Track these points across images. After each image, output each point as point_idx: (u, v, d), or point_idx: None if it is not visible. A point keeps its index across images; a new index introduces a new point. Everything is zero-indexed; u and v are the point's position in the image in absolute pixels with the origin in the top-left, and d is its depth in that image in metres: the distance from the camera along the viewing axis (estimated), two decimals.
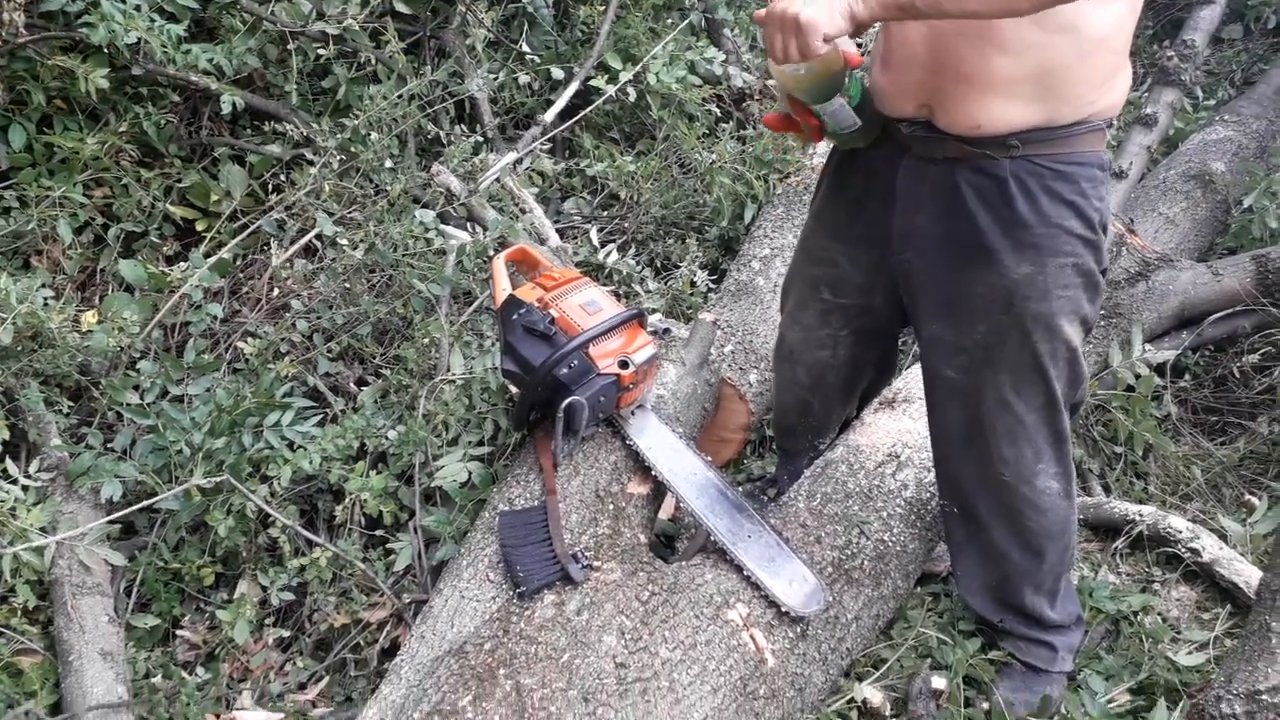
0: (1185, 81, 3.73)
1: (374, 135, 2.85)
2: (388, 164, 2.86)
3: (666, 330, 2.50)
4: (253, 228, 2.88)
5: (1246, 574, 2.12)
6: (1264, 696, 1.55)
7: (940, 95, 1.59)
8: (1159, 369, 2.67)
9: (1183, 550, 2.21)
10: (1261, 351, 2.72)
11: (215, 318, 2.63)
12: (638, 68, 3.33)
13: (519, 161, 3.16)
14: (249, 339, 2.60)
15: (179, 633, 2.24)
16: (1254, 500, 2.42)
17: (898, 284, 1.83)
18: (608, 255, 2.96)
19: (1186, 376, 2.79)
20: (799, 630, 1.83)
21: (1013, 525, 1.84)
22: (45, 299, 2.42)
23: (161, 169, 3.02)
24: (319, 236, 2.78)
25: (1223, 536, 2.29)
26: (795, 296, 2.09)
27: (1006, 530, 1.85)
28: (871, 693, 1.95)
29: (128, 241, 2.95)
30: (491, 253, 2.62)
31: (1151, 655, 2.00)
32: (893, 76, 1.66)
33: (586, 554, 1.84)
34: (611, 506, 2.02)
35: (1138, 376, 2.55)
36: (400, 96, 2.94)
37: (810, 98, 1.60)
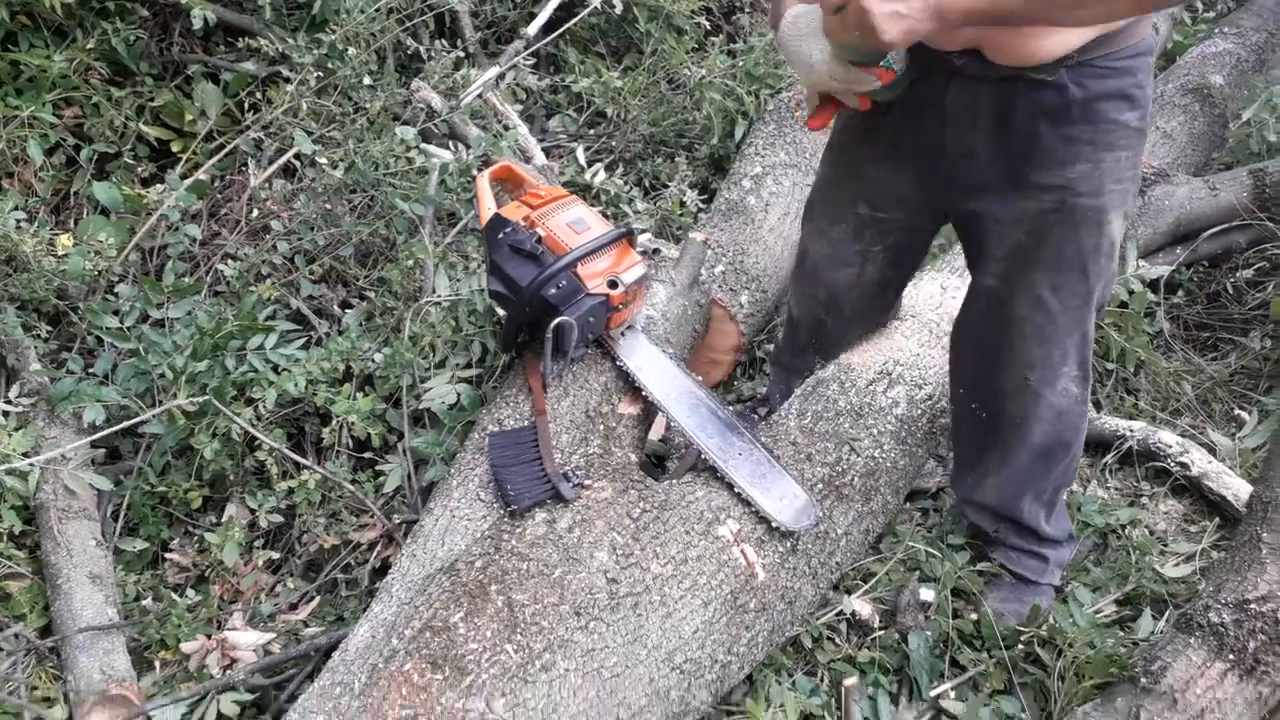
0: None
1: (352, 51, 2.75)
2: (366, 80, 2.77)
3: (656, 250, 2.45)
4: (229, 148, 2.80)
5: (1235, 487, 2.13)
6: (1252, 605, 1.56)
7: (988, 38, 1.53)
8: (1152, 285, 2.65)
9: (1172, 464, 2.22)
10: (1256, 267, 2.70)
11: (194, 240, 2.57)
12: None
13: (501, 77, 3.08)
14: (229, 261, 2.55)
15: (168, 556, 2.23)
16: (1243, 415, 2.43)
17: (942, 196, 1.79)
18: (595, 175, 2.90)
19: (1180, 292, 2.77)
20: (789, 545, 1.84)
21: (1028, 430, 1.84)
22: (18, 221, 2.37)
23: (133, 88, 2.93)
24: (298, 156, 2.71)
25: (1212, 451, 2.29)
26: (826, 211, 2.01)
27: (1021, 435, 1.85)
28: (860, 605, 1.97)
29: (101, 163, 2.88)
30: (475, 171, 2.56)
31: (1139, 567, 2.01)
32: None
33: (577, 473, 1.82)
34: (602, 427, 2.00)
35: (1131, 293, 2.53)
36: (378, 10, 2.84)
37: (872, 54, 1.50)
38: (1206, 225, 2.75)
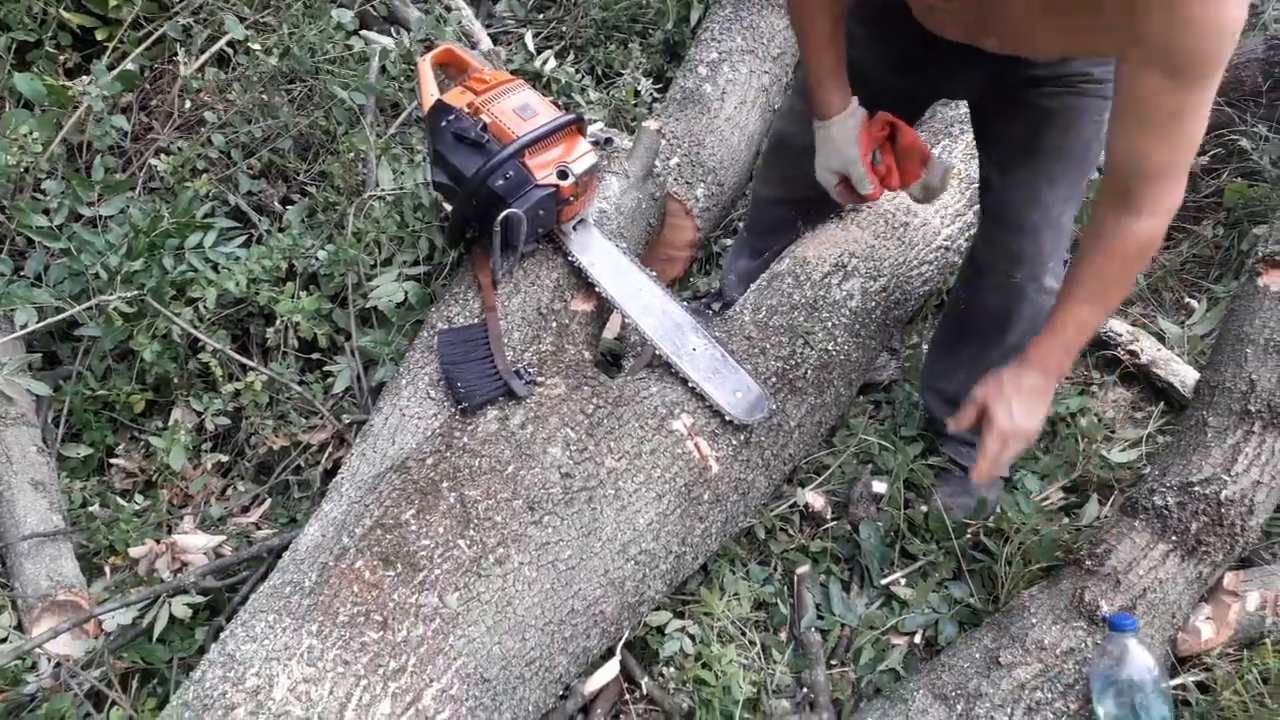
0: None
1: None
2: None
3: (608, 140, 2.38)
4: (157, 35, 2.64)
5: (1182, 374, 2.16)
6: (1196, 488, 1.59)
7: (984, 39, 1.49)
8: None
9: (1121, 353, 2.24)
10: (1211, 153, 2.69)
11: (124, 133, 2.45)
12: None
13: None
14: (162, 156, 2.43)
15: (114, 462, 2.19)
16: (1193, 303, 2.45)
17: (939, 90, 1.76)
18: (545, 62, 2.79)
19: None
20: (743, 438, 1.84)
21: (1007, 327, 1.85)
22: None
23: None
24: (231, 43, 2.56)
25: (1161, 339, 2.31)
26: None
27: (999, 331, 1.87)
28: (813, 497, 1.99)
29: (21, 53, 2.70)
30: (417, 57, 2.45)
31: (1086, 454, 2.04)
32: (938, 24, 1.54)
33: (529, 370, 1.79)
34: (555, 324, 1.97)
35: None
36: None
37: None
38: None
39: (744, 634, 1.81)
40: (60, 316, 2.05)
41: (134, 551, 1.89)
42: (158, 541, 1.90)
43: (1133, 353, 2.22)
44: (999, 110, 1.67)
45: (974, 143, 1.86)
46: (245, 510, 2.08)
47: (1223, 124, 2.67)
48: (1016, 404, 1.49)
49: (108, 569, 1.94)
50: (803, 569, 1.89)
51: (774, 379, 1.94)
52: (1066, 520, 1.92)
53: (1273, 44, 2.64)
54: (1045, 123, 1.62)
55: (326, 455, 2.09)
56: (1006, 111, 1.65)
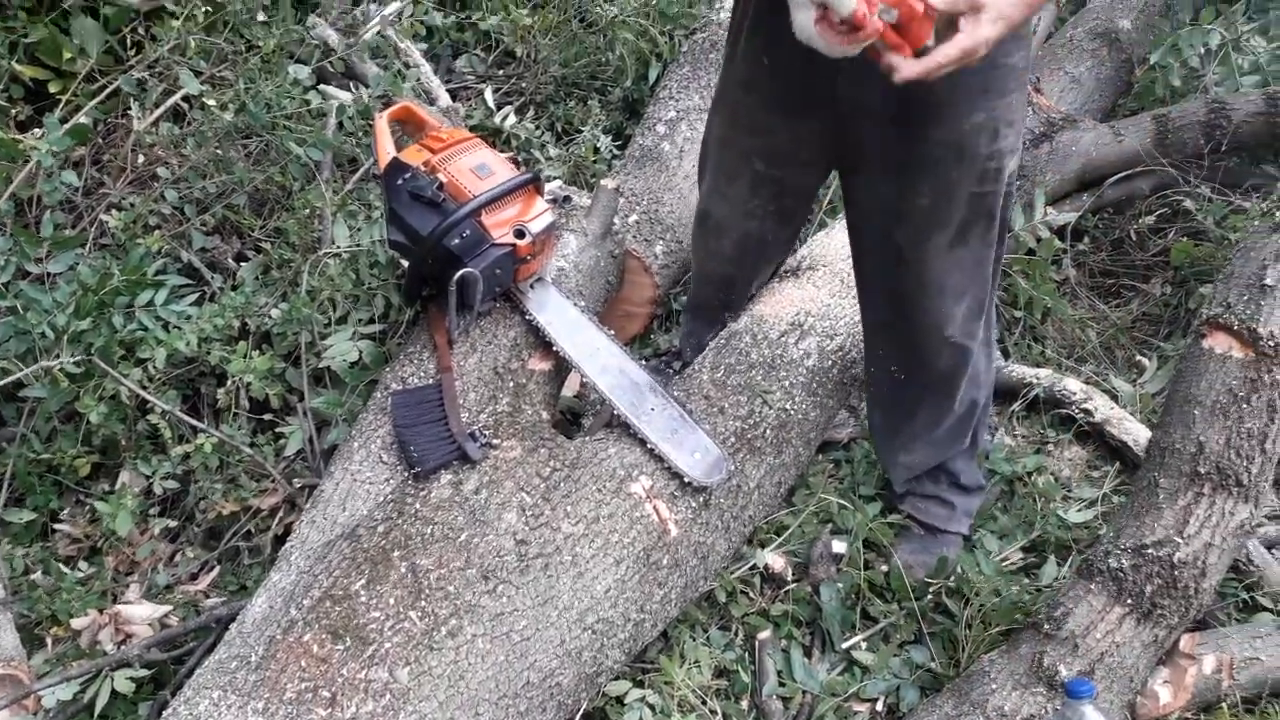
0: None
1: None
2: (259, 16, 2.61)
3: (566, 198, 2.38)
4: (111, 88, 2.62)
5: (1135, 433, 2.18)
6: (1149, 550, 1.60)
7: None
8: (1059, 232, 2.68)
9: (1076, 411, 2.26)
10: (1158, 213, 2.75)
11: (74, 188, 2.41)
12: None
13: (403, 13, 2.93)
14: (114, 212, 2.39)
15: (58, 527, 2.13)
16: (1144, 361, 2.49)
17: (835, 150, 1.74)
18: (504, 119, 2.80)
19: (1085, 240, 2.81)
20: (702, 500, 1.82)
21: (954, 387, 1.85)
22: None
23: (3, 22, 2.71)
24: (186, 98, 2.54)
25: (1114, 397, 2.34)
26: (724, 169, 1.94)
27: (948, 392, 1.86)
28: (773, 559, 1.97)
29: None
30: (375, 113, 2.45)
31: (1043, 514, 2.05)
32: None
33: (485, 432, 1.77)
34: (511, 384, 1.95)
35: (1039, 239, 2.56)
36: None
37: None
38: (1111, 171, 2.79)
39: (705, 703, 1.78)
40: (6, 380, 2.00)
41: (76, 623, 1.83)
42: (101, 611, 1.84)
43: (1086, 411, 2.24)
44: (897, 177, 1.65)
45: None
46: (194, 578, 2.03)
47: (1167, 185, 2.74)
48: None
49: (49, 640, 1.87)
50: (764, 634, 1.87)
51: (733, 439, 1.94)
52: (1027, 581, 1.92)
53: (1213, 107, 2.72)
54: (944, 188, 1.62)
55: (277, 520, 2.05)
56: (903, 180, 1.64)
